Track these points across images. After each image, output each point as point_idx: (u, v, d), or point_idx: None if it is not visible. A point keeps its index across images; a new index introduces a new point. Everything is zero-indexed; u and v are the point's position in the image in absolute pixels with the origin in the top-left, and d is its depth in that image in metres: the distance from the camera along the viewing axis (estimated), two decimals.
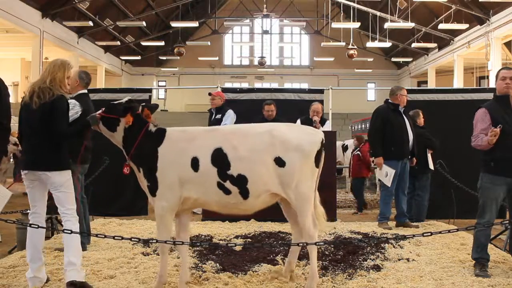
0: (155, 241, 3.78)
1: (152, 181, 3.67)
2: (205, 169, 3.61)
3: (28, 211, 5.00)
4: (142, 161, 3.75)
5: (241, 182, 3.60)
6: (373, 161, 7.32)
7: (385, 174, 6.43)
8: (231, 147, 3.63)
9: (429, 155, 7.13)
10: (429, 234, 3.77)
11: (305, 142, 3.70)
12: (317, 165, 3.77)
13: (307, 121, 7.60)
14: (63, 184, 3.88)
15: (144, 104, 3.91)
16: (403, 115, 6.62)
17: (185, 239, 3.86)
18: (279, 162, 3.61)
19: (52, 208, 4.71)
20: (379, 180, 7.69)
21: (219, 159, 3.62)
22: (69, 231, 3.71)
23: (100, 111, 3.85)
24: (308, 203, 3.72)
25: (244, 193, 3.62)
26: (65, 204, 3.90)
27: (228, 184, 3.61)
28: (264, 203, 3.78)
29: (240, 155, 3.61)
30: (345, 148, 11.93)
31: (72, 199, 3.95)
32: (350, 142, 12.20)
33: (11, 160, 11.79)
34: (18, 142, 11.15)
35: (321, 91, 8.98)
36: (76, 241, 3.84)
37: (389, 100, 6.67)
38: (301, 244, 3.79)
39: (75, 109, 4.73)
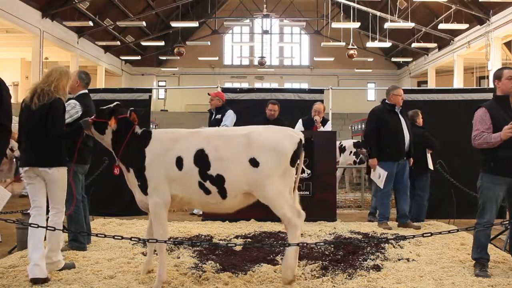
0: (155, 241, 3.82)
1: (142, 180, 3.84)
2: (188, 168, 3.76)
3: (28, 210, 5.13)
4: (130, 162, 3.93)
5: (219, 182, 3.74)
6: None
7: (378, 175, 6.44)
8: (212, 148, 3.78)
9: (428, 155, 7.13)
10: (429, 234, 3.77)
11: (280, 143, 3.77)
12: (292, 165, 3.82)
13: (309, 121, 7.61)
14: (58, 180, 4.16)
15: (132, 108, 4.11)
16: (400, 116, 6.57)
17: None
18: (253, 162, 3.72)
19: None
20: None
21: (201, 159, 3.77)
22: (53, 228, 3.91)
23: (93, 117, 4.11)
24: (278, 197, 3.74)
25: (222, 193, 3.76)
26: (54, 200, 4.18)
27: (208, 184, 3.76)
28: (242, 203, 3.90)
29: (219, 156, 3.75)
30: (342, 149, 11.87)
31: (62, 196, 4.22)
32: (348, 143, 12.15)
33: (14, 161, 11.77)
34: (13, 148, 11.20)
35: (321, 91, 8.99)
36: (58, 234, 4.13)
37: (386, 101, 6.66)
38: (301, 244, 3.79)
39: (75, 109, 4.78)
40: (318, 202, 7.03)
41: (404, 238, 4.04)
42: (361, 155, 7.90)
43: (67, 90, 4.34)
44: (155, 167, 3.80)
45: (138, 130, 4.02)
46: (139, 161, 3.84)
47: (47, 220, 4.27)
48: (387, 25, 21.31)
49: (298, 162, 3.91)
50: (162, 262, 3.83)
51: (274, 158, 3.72)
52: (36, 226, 3.85)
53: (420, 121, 7.22)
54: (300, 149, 3.86)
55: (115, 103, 4.15)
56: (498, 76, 4.41)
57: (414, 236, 3.92)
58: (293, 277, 3.79)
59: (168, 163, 3.78)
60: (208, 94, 7.77)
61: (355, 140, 12.73)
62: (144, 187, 3.84)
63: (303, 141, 3.89)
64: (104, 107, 4.11)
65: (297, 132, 3.98)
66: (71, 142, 4.42)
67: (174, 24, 24.85)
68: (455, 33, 22.33)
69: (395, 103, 6.55)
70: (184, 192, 3.82)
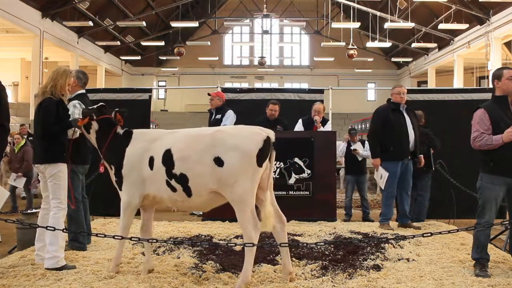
0: (155, 241, 3.86)
1: (119, 177, 4.12)
2: (157, 167, 3.95)
3: (29, 211, 5.25)
4: (112, 160, 4.19)
5: (183, 180, 3.87)
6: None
7: (380, 176, 6.39)
8: (178, 149, 3.91)
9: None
10: (429, 234, 3.77)
11: (244, 142, 3.76)
12: (260, 165, 3.76)
13: (309, 121, 7.61)
14: (52, 175, 4.39)
15: (117, 109, 4.33)
16: (405, 114, 6.51)
17: (149, 233, 4.31)
18: (218, 161, 3.75)
19: None
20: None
21: (167, 159, 3.92)
22: (52, 228, 4.04)
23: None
24: (244, 203, 3.73)
25: (187, 191, 3.88)
26: (52, 194, 4.42)
27: (173, 182, 3.91)
28: (212, 202, 4.00)
29: (183, 156, 3.87)
30: None
31: (59, 191, 4.41)
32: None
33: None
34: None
35: (321, 91, 8.99)
36: (57, 231, 4.22)
37: (391, 100, 6.63)
38: (304, 243, 3.79)
39: (78, 109, 4.85)
40: (318, 202, 7.03)
41: (404, 238, 4.04)
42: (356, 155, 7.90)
43: (66, 89, 4.56)
44: (132, 166, 4.03)
45: (120, 130, 4.24)
46: (119, 159, 4.08)
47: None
48: (387, 25, 21.30)
49: (269, 161, 3.85)
50: (119, 249, 4.18)
51: (238, 157, 3.71)
52: (36, 226, 3.88)
53: (423, 121, 7.20)
54: (267, 148, 3.80)
55: (99, 104, 4.39)
56: (497, 76, 4.37)
57: (414, 236, 3.93)
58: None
59: (143, 163, 3.99)
60: (208, 94, 7.77)
61: None
62: (119, 184, 4.12)
63: (272, 140, 3.84)
64: (89, 107, 4.39)
65: (265, 130, 3.91)
66: (66, 141, 4.59)
67: (174, 24, 24.84)
68: (455, 33, 22.32)
69: (399, 102, 6.52)
70: (156, 191, 3.99)
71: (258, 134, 3.83)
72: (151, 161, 3.95)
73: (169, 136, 4.06)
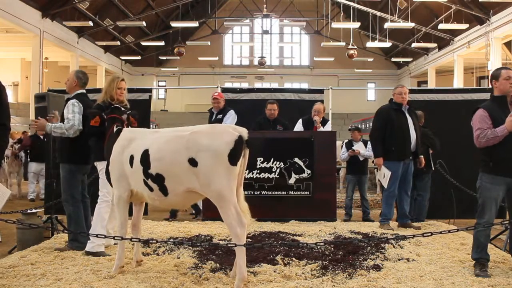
0: (155, 241, 3.88)
1: (108, 174, 4.34)
2: (136, 167, 4.07)
3: (28, 210, 5.26)
4: (106, 157, 4.43)
5: (159, 180, 3.95)
6: (373, 161, 7.32)
7: (383, 175, 6.40)
8: (155, 149, 3.98)
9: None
10: (429, 234, 3.77)
11: (216, 142, 3.78)
12: (233, 163, 3.77)
13: (309, 121, 7.61)
14: (100, 171, 4.92)
15: (129, 112, 4.64)
16: (407, 115, 6.53)
17: (137, 227, 4.50)
18: (192, 162, 3.79)
19: (51, 209, 4.79)
20: (379, 180, 7.72)
21: (144, 159, 4.02)
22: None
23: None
24: (224, 201, 3.76)
25: (163, 191, 3.97)
26: (100, 188, 4.94)
27: (150, 182, 4.00)
28: (188, 200, 4.18)
29: (159, 156, 3.94)
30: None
31: (103, 185, 4.90)
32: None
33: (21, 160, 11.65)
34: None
35: (321, 91, 8.99)
36: (97, 219, 4.93)
37: (393, 100, 6.64)
38: (301, 244, 3.78)
39: (76, 107, 4.87)
40: (318, 202, 7.04)
41: (404, 238, 4.04)
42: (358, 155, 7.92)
43: (115, 93, 4.84)
44: (116, 164, 4.20)
45: (115, 128, 4.46)
46: (109, 156, 4.31)
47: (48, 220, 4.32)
48: (387, 25, 21.32)
49: (243, 158, 3.85)
50: (121, 250, 4.27)
51: (209, 157, 3.74)
52: (36, 226, 3.88)
53: (422, 121, 7.21)
54: (240, 146, 3.79)
55: (113, 106, 4.60)
56: (495, 76, 4.38)
57: (414, 236, 3.93)
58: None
59: (125, 160, 4.13)
60: (214, 96, 7.62)
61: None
62: (109, 180, 4.34)
63: (244, 138, 3.83)
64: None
65: (237, 130, 3.89)
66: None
67: (174, 24, 24.85)
68: (455, 33, 22.35)
69: (400, 102, 6.52)
70: (137, 187, 4.12)
71: (229, 134, 3.82)
72: (131, 159, 4.08)
73: (148, 136, 4.16)
